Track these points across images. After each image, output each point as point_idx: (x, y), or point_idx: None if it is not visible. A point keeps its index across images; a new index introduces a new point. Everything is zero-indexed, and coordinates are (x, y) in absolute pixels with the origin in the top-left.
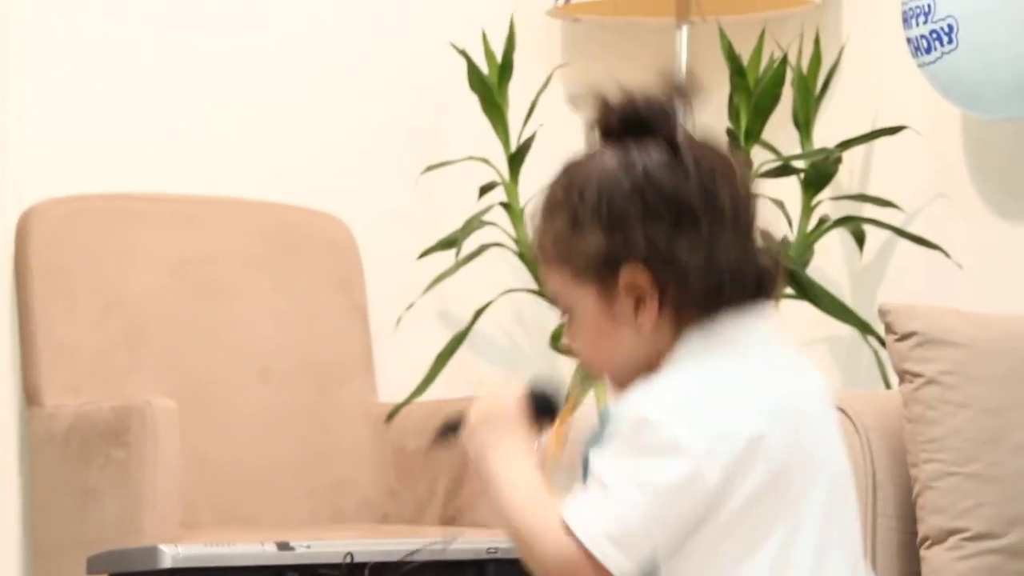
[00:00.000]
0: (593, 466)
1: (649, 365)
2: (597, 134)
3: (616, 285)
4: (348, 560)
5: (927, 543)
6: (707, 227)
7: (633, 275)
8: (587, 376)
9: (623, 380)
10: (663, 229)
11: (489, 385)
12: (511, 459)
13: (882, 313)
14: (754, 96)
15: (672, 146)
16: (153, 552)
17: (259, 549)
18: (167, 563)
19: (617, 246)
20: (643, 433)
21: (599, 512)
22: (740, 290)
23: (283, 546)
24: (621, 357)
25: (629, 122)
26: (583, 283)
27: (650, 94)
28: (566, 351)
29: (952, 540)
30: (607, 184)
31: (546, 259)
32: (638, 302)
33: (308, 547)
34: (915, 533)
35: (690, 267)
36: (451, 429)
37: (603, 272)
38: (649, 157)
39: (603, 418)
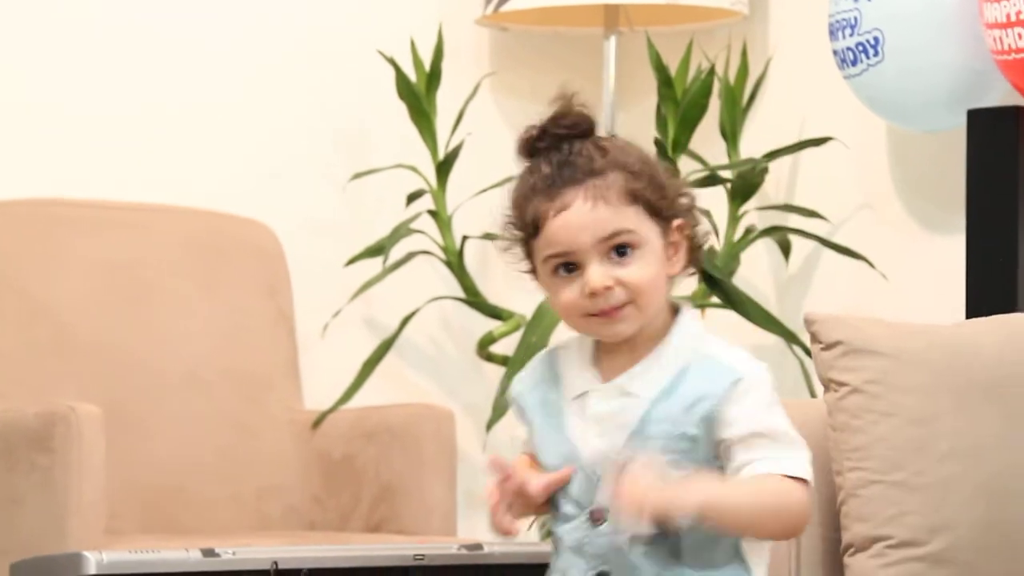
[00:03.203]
0: (771, 425)
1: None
2: (570, 135)
3: (668, 231)
4: (274, 567)
5: (851, 550)
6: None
7: (678, 227)
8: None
9: (653, 312)
10: (680, 193)
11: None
12: (712, 484)
13: (807, 322)
14: (681, 106)
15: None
16: (77, 559)
17: (184, 556)
18: (91, 570)
19: (671, 199)
20: (769, 386)
21: (803, 455)
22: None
23: (208, 553)
24: (664, 291)
25: (591, 124)
26: (652, 221)
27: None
28: (601, 306)
29: (876, 547)
30: (648, 157)
31: (627, 201)
32: (673, 249)
33: (233, 554)
34: (839, 540)
35: (697, 229)
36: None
37: (664, 216)
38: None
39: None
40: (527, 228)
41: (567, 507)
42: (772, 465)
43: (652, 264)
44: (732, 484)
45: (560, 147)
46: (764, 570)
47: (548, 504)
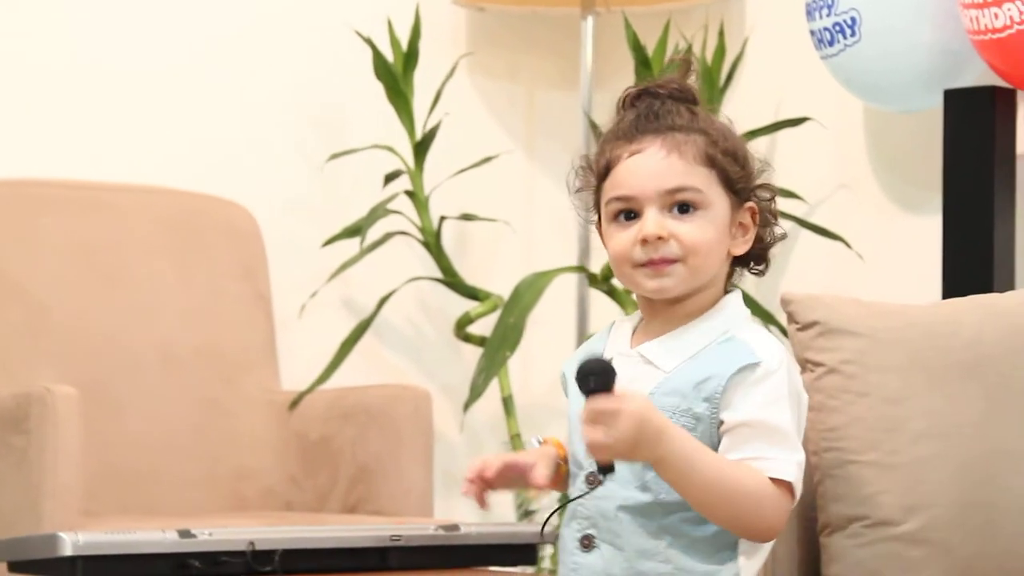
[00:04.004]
0: (769, 418)
1: (707, 284)
2: (672, 96)
3: (739, 209)
4: (250, 548)
5: (827, 530)
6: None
7: (751, 210)
8: (492, 362)
9: (702, 280)
10: (762, 187)
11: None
12: (695, 445)
13: (784, 303)
14: None
15: None
16: (53, 540)
17: (160, 536)
18: (67, 551)
19: (751, 182)
20: (785, 381)
21: (793, 458)
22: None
23: (185, 534)
24: (719, 260)
25: (693, 93)
26: (726, 192)
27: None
28: (651, 255)
29: (852, 527)
30: (740, 139)
31: (702, 162)
32: (742, 229)
33: (210, 535)
34: (815, 520)
35: (768, 225)
36: (596, 378)
37: (740, 194)
38: None
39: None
40: (600, 170)
41: (574, 468)
42: (754, 461)
43: (712, 229)
44: (707, 456)
45: (653, 103)
46: (757, 564)
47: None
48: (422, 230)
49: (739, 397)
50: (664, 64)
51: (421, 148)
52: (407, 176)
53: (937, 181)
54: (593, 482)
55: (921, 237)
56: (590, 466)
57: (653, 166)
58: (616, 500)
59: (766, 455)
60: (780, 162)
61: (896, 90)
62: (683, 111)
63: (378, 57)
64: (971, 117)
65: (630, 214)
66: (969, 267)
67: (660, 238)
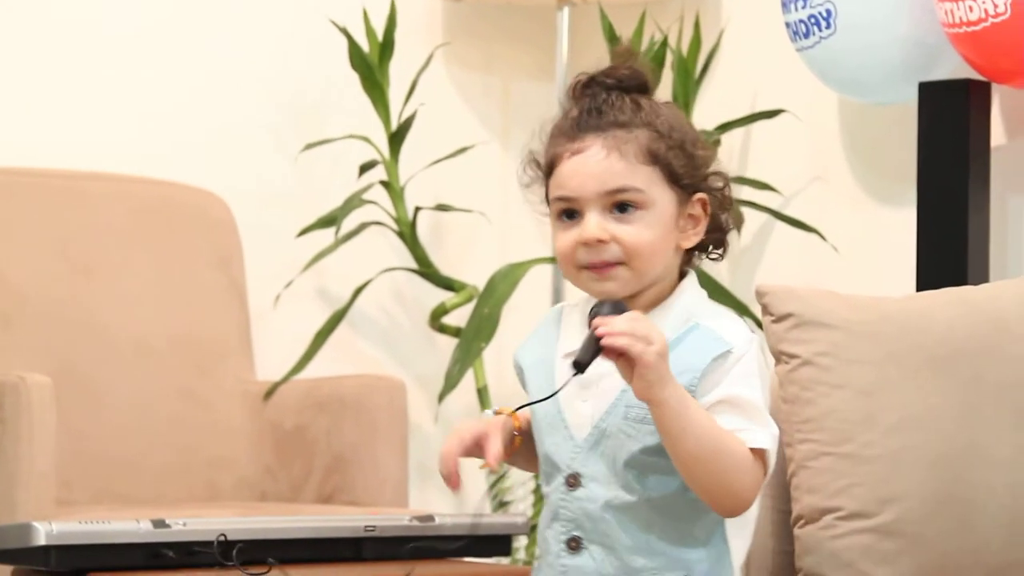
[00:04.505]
0: (744, 393)
1: (656, 278)
2: (617, 86)
3: (687, 202)
4: (222, 539)
5: (801, 522)
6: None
7: (701, 201)
8: (467, 353)
9: (648, 279)
10: (715, 173)
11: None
12: (690, 398)
13: (759, 294)
14: None
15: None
16: (27, 529)
17: (134, 527)
18: (41, 540)
19: (700, 173)
20: (755, 359)
21: (768, 431)
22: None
23: (159, 524)
24: (664, 258)
25: (643, 82)
26: (670, 187)
27: (644, 62)
28: (593, 259)
29: (826, 519)
30: (688, 128)
31: (644, 160)
32: (691, 222)
33: (184, 525)
34: (789, 512)
35: (721, 212)
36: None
37: (688, 188)
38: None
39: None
40: (545, 167)
41: (548, 468)
42: (738, 433)
43: (654, 228)
44: (699, 411)
45: (598, 95)
46: (746, 544)
47: (536, 463)
48: (397, 220)
49: (713, 383)
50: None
51: (396, 138)
52: (382, 166)
53: (912, 174)
54: (574, 484)
55: (896, 229)
56: (580, 356)
57: (593, 167)
58: (601, 500)
59: (743, 427)
60: (755, 154)
61: (871, 82)
62: (628, 104)
63: (354, 47)
64: (946, 110)
65: (572, 214)
66: (943, 260)
67: (600, 241)
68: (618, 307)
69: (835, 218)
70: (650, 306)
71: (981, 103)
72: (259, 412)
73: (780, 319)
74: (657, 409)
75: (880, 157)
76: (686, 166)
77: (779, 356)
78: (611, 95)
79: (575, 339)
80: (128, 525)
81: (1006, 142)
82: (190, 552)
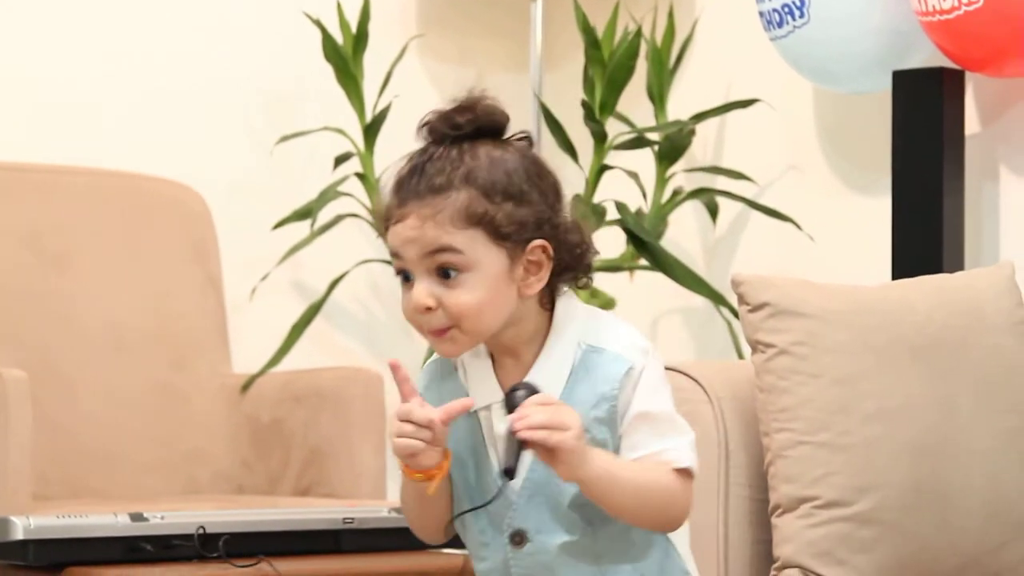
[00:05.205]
0: (655, 407)
1: (507, 325)
2: (452, 135)
3: (522, 253)
4: (200, 532)
5: (779, 511)
6: (567, 213)
7: (540, 247)
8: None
9: (488, 333)
10: (558, 213)
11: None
12: (611, 457)
13: (735, 284)
14: (609, 68)
15: (529, 143)
16: (4, 524)
17: (112, 520)
18: (19, 535)
19: (531, 222)
20: (655, 369)
21: (685, 440)
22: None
23: (136, 517)
24: (501, 313)
25: (486, 127)
26: (497, 245)
27: (492, 105)
28: (425, 326)
29: (803, 508)
30: (522, 171)
31: (463, 224)
32: (531, 269)
33: (162, 518)
34: (767, 501)
35: (571, 246)
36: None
37: (516, 240)
38: (531, 153)
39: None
40: (383, 223)
41: (484, 536)
42: (657, 455)
43: (481, 289)
44: (624, 469)
45: (427, 149)
46: (686, 542)
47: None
48: (373, 212)
49: (626, 402)
50: (613, 47)
51: (371, 130)
52: (357, 158)
53: (886, 162)
54: (520, 541)
55: (871, 218)
56: (506, 462)
57: (412, 234)
58: (552, 550)
59: (662, 447)
60: (730, 144)
61: (845, 72)
62: (451, 161)
63: (327, 39)
64: (920, 98)
65: (408, 276)
66: (919, 248)
67: (429, 309)
68: (530, 390)
69: (810, 207)
70: (532, 348)
71: (955, 91)
72: (236, 405)
73: (756, 308)
74: (585, 486)
75: (855, 146)
76: (513, 220)
77: (755, 345)
78: (437, 149)
79: (482, 392)
80: (106, 519)
81: (980, 130)
82: (168, 545)
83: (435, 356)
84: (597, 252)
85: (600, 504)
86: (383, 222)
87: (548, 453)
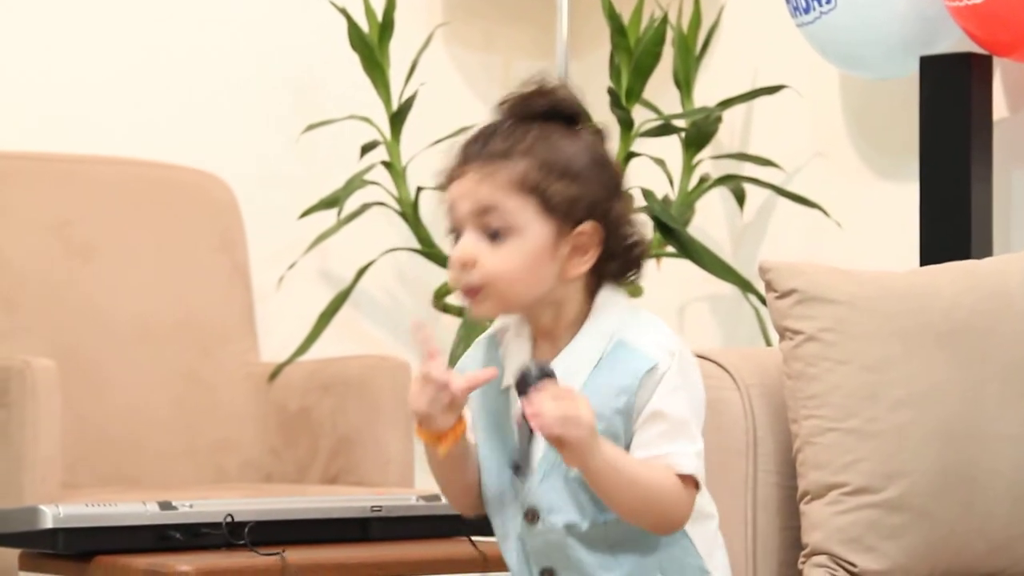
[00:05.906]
0: (669, 408)
1: (547, 304)
2: (525, 114)
3: (570, 231)
4: (228, 520)
5: (807, 498)
6: (630, 208)
7: (590, 230)
8: (471, 332)
9: (517, 306)
10: (614, 203)
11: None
12: (619, 453)
13: (762, 271)
14: (635, 55)
15: (599, 137)
16: (34, 512)
17: (141, 509)
18: (48, 523)
19: (584, 204)
20: (679, 371)
21: (693, 448)
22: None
23: (165, 506)
24: (535, 287)
25: (560, 112)
26: (546, 217)
27: (569, 93)
28: (461, 282)
29: (832, 495)
30: (585, 156)
31: (516, 189)
32: (578, 251)
33: (190, 507)
34: (795, 488)
35: (623, 237)
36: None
37: (568, 217)
38: (599, 144)
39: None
40: (444, 185)
41: (503, 512)
42: (663, 458)
43: (520, 256)
44: (629, 466)
45: (500, 121)
46: (708, 537)
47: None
48: (399, 201)
49: (645, 399)
50: (639, 34)
51: (397, 119)
52: (384, 147)
53: (914, 148)
54: (532, 519)
55: (898, 204)
56: (516, 455)
57: (466, 190)
58: (560, 531)
59: (670, 450)
60: (757, 130)
61: (872, 57)
62: (517, 133)
63: (353, 27)
64: (947, 84)
65: (458, 236)
66: (947, 234)
67: (465, 264)
68: (544, 370)
69: (838, 193)
70: (568, 332)
71: (983, 76)
72: (264, 394)
73: (784, 295)
74: (590, 476)
75: (882, 132)
76: (565, 196)
77: (783, 332)
78: (504, 124)
79: (517, 366)
80: (135, 507)
81: (1008, 115)
82: (197, 534)
83: (487, 332)
84: (649, 252)
85: (600, 495)
86: (445, 180)
87: (559, 441)
